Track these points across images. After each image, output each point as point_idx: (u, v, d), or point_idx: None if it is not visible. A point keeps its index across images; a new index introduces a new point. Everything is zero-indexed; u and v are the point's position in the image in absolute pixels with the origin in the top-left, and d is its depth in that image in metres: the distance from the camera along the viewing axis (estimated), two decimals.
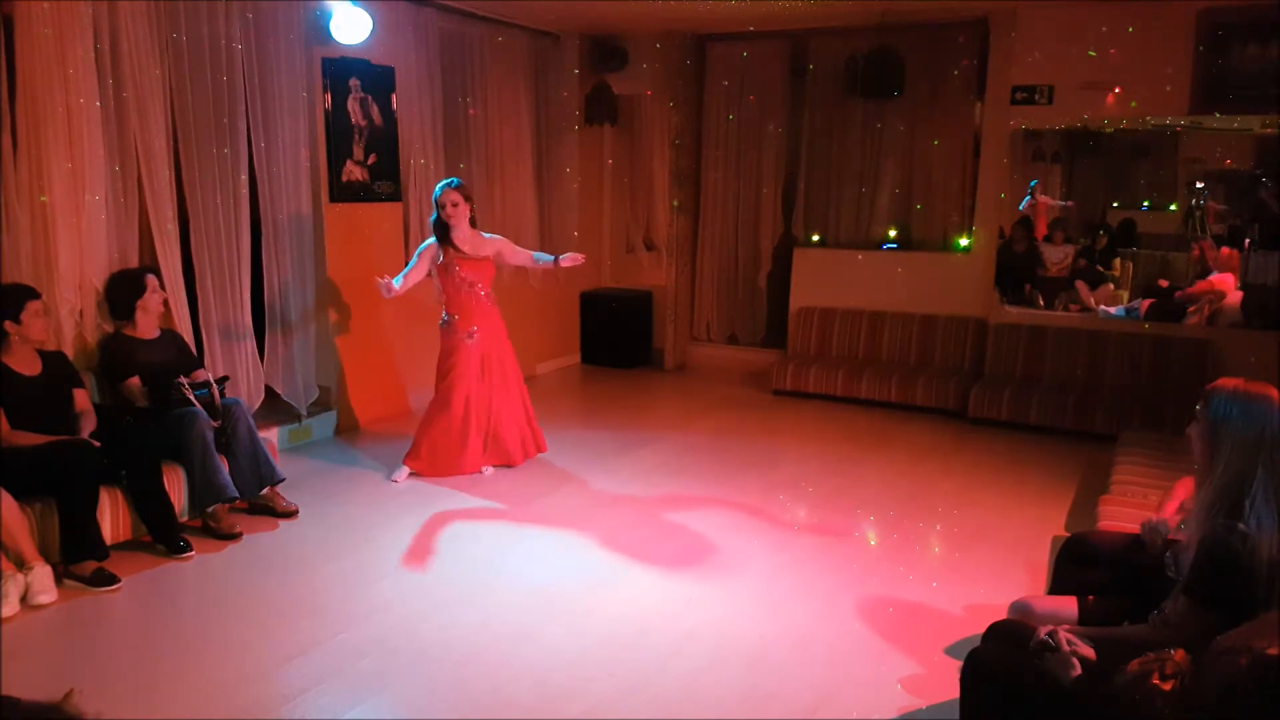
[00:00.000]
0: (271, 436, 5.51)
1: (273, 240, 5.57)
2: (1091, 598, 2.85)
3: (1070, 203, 7.91)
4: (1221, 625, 2.26)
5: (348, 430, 6.19)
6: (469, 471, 5.30)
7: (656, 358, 8.51)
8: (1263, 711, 1.77)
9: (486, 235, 5.33)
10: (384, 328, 6.36)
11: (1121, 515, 3.75)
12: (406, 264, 5.35)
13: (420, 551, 4.31)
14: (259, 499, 4.66)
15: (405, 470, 5.26)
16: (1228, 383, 2.51)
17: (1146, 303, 7.05)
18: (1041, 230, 7.73)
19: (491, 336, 5.31)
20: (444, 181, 5.24)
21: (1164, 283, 7.41)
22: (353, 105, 6.00)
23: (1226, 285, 6.83)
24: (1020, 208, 7.55)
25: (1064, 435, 6.26)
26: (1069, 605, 2.85)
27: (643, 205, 8.83)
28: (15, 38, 4.21)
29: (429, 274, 5.24)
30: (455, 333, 5.26)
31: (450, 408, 5.25)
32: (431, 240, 5.22)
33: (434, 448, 5.28)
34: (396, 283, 5.01)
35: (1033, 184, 7.68)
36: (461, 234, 5.17)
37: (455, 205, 5.11)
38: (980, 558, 4.30)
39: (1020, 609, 2.92)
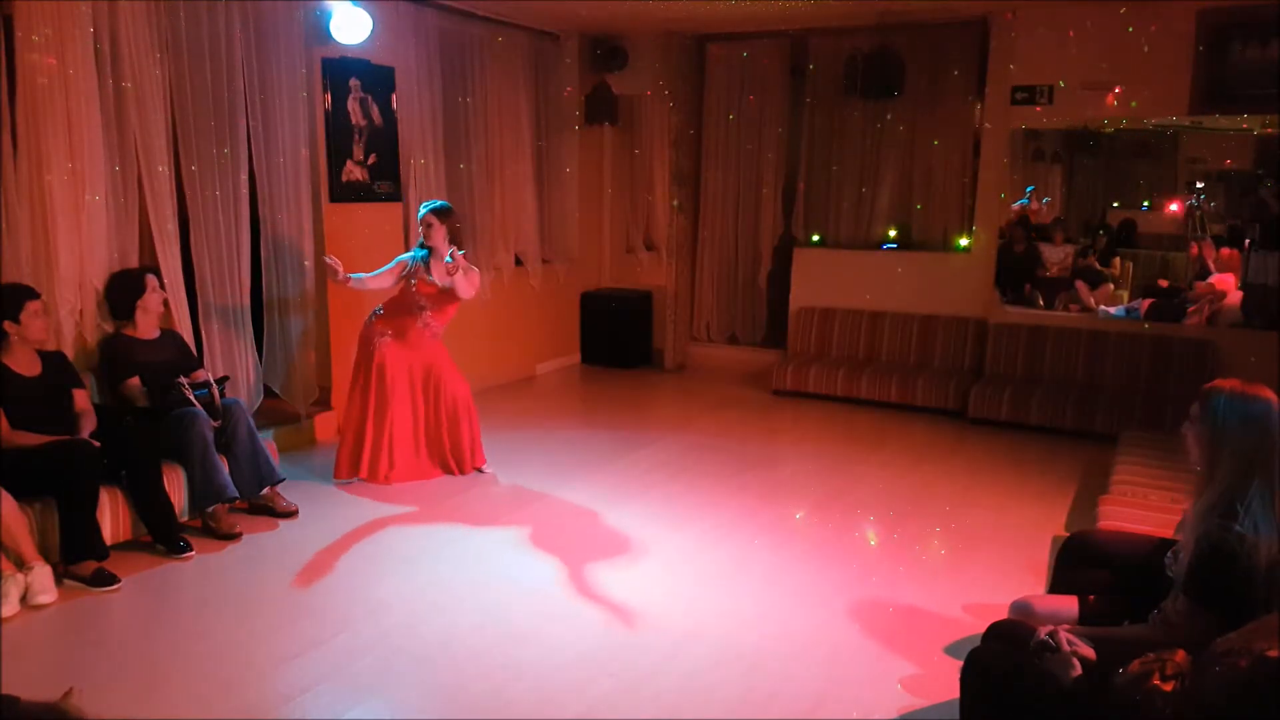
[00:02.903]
0: (271, 437, 5.50)
1: (272, 240, 5.58)
2: (1092, 597, 2.85)
3: (1046, 200, 7.91)
4: (1221, 625, 2.26)
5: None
6: (414, 478, 5.21)
7: (656, 358, 8.51)
8: (1264, 713, 1.77)
9: (469, 265, 5.16)
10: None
11: (1121, 515, 3.75)
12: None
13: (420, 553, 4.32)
14: (259, 499, 4.66)
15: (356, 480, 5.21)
16: (1225, 384, 2.51)
17: (1147, 303, 7.06)
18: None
19: (423, 356, 5.22)
20: (425, 204, 5.24)
21: (1164, 283, 7.41)
22: (353, 105, 6.00)
23: (1227, 285, 6.83)
24: (1014, 206, 7.55)
25: (1064, 435, 6.26)
26: (1070, 605, 2.85)
27: (643, 205, 8.82)
28: (15, 38, 4.21)
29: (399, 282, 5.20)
30: (372, 326, 5.21)
31: (385, 411, 5.15)
32: (407, 255, 5.20)
33: (377, 451, 5.18)
34: (357, 276, 5.03)
35: (1029, 189, 7.69)
36: (438, 257, 5.10)
37: (429, 226, 5.10)
38: (980, 558, 4.30)
39: (1021, 609, 2.92)
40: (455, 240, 5.17)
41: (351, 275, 5.02)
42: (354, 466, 5.21)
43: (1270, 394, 2.48)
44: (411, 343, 5.20)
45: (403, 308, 5.19)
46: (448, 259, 4.94)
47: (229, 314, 5.32)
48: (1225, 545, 2.34)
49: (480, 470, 5.38)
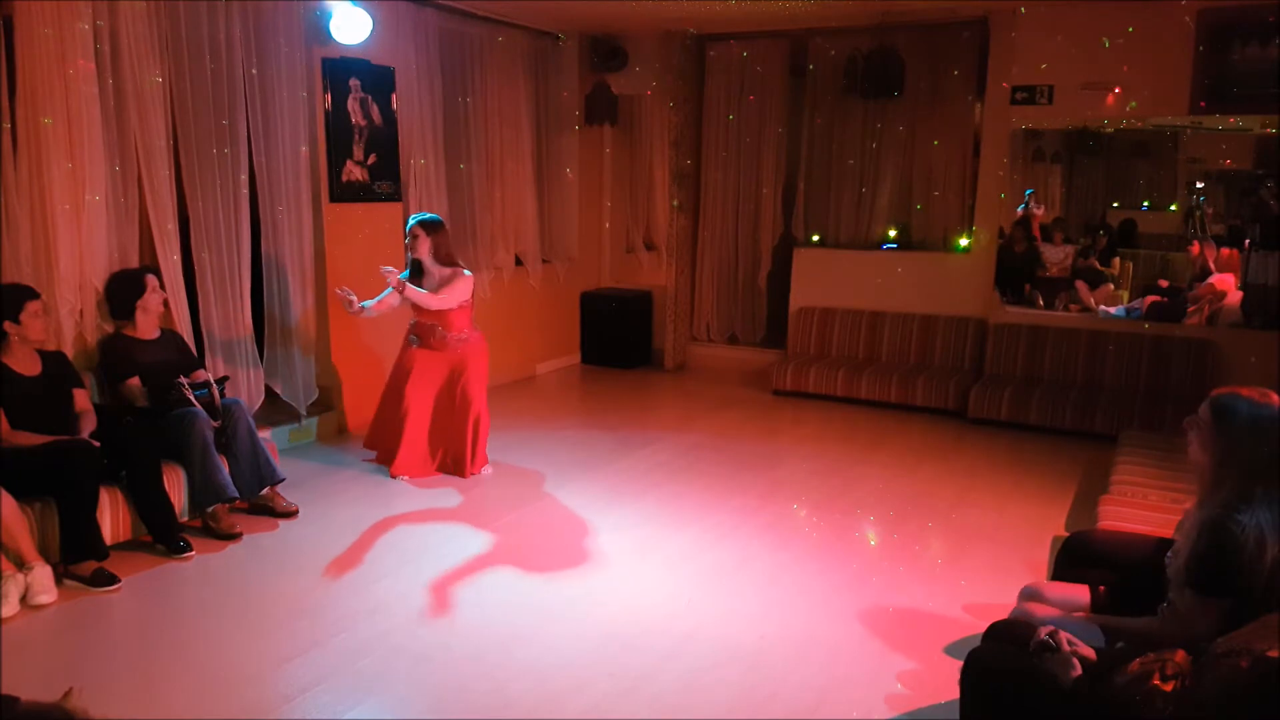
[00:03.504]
0: (271, 436, 5.50)
1: (273, 240, 5.57)
2: (1102, 588, 2.85)
3: (1040, 208, 7.92)
4: (1229, 616, 2.27)
5: (348, 430, 6.19)
6: (416, 474, 5.27)
7: (656, 358, 8.51)
8: (1264, 714, 1.77)
9: (458, 271, 5.20)
10: (384, 327, 6.35)
11: (1121, 515, 3.75)
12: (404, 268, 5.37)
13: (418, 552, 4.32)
14: (259, 499, 4.66)
15: (403, 478, 5.27)
16: (1242, 391, 2.52)
17: (1150, 299, 7.04)
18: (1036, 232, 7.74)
19: (451, 359, 5.26)
20: (413, 216, 5.28)
21: (1164, 283, 7.42)
22: (353, 105, 6.00)
23: (1227, 285, 6.84)
24: (1018, 210, 7.56)
25: (1064, 435, 6.26)
26: (1080, 592, 2.85)
27: (643, 205, 8.83)
28: (15, 38, 4.21)
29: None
30: (410, 330, 5.34)
31: (400, 404, 5.26)
32: (404, 274, 5.19)
33: (384, 439, 5.33)
34: (367, 305, 5.05)
35: (1028, 193, 7.68)
36: (427, 269, 5.15)
37: (414, 238, 5.14)
38: (980, 558, 4.30)
39: (1031, 594, 2.92)
40: (438, 254, 5.14)
41: (364, 304, 5.04)
42: (378, 451, 5.39)
43: (1275, 398, 2.48)
44: (436, 347, 5.26)
45: (423, 322, 5.26)
46: (391, 282, 4.99)
47: (229, 314, 5.32)
48: (1227, 533, 2.36)
49: (478, 473, 5.39)
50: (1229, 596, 2.35)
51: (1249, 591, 2.35)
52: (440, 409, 5.34)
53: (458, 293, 5.15)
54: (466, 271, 5.24)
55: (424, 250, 5.15)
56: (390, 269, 5.02)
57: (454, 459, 5.36)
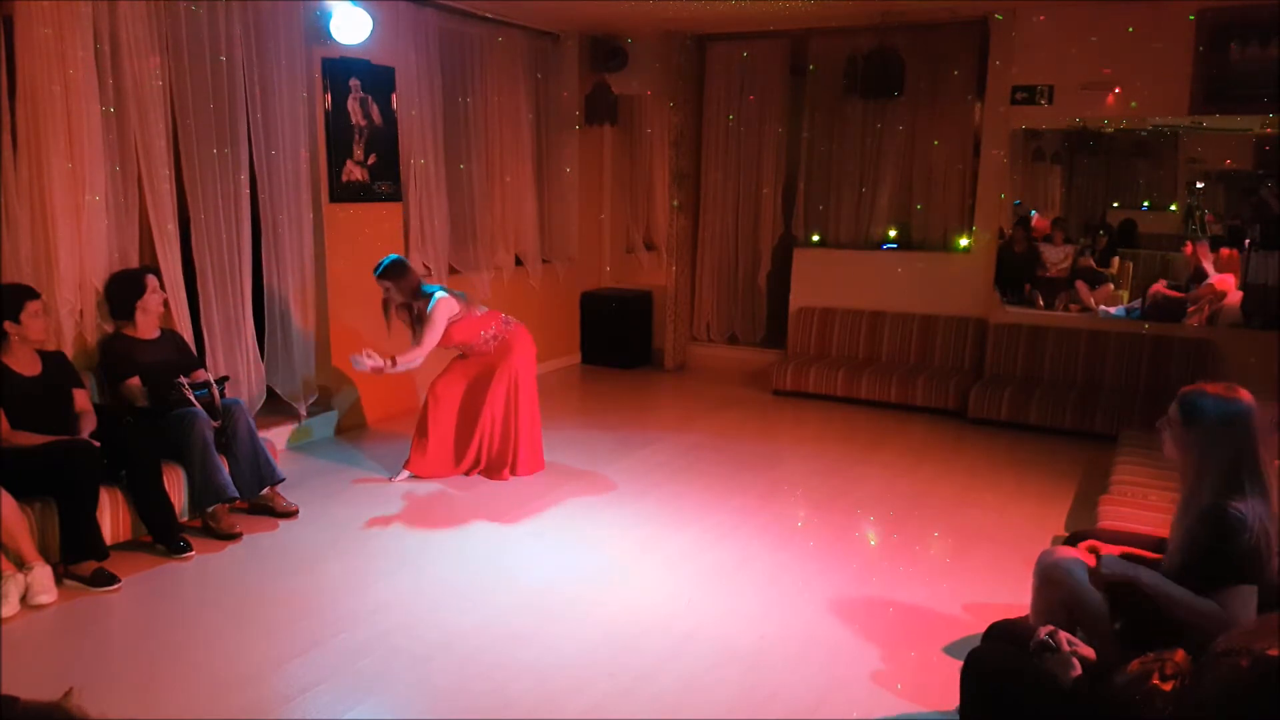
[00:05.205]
0: (272, 436, 5.49)
1: (273, 240, 5.57)
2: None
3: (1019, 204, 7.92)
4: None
5: (348, 430, 6.19)
6: (434, 474, 5.25)
7: (656, 358, 8.52)
8: (1264, 713, 1.77)
9: (424, 307, 5.04)
10: (384, 327, 6.34)
11: (1121, 515, 3.76)
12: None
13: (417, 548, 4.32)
14: (259, 499, 4.66)
15: (405, 473, 5.26)
16: (1208, 387, 2.53)
17: (1155, 290, 7.02)
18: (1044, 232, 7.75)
19: (491, 359, 5.25)
20: (376, 269, 5.07)
21: (1164, 283, 7.42)
22: (353, 105, 6.00)
23: (1227, 285, 6.84)
24: (1016, 204, 7.56)
25: (1064, 435, 6.26)
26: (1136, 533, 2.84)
27: (643, 205, 8.83)
28: (15, 38, 4.21)
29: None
30: None
31: (424, 407, 5.28)
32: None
33: (414, 445, 5.30)
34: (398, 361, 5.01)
35: (1016, 204, 7.65)
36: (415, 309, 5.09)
37: (388, 291, 5.05)
38: (980, 558, 4.30)
39: (1085, 541, 2.93)
40: (407, 293, 4.98)
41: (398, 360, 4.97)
42: (413, 461, 5.28)
43: (1248, 395, 2.50)
44: (472, 355, 5.29)
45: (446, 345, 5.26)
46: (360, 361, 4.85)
47: (230, 313, 5.32)
48: (1228, 516, 2.37)
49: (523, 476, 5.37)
50: (1251, 581, 2.36)
51: (1263, 575, 2.36)
52: (466, 409, 5.29)
53: (433, 329, 4.98)
54: (435, 298, 4.99)
55: (400, 297, 5.06)
56: (368, 359, 4.80)
57: (487, 462, 5.33)
